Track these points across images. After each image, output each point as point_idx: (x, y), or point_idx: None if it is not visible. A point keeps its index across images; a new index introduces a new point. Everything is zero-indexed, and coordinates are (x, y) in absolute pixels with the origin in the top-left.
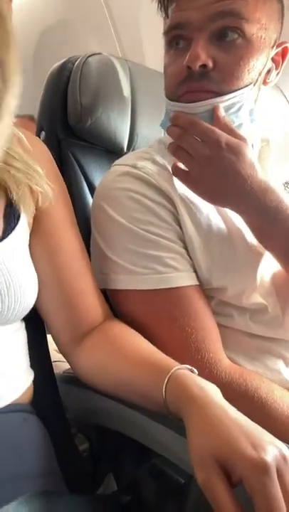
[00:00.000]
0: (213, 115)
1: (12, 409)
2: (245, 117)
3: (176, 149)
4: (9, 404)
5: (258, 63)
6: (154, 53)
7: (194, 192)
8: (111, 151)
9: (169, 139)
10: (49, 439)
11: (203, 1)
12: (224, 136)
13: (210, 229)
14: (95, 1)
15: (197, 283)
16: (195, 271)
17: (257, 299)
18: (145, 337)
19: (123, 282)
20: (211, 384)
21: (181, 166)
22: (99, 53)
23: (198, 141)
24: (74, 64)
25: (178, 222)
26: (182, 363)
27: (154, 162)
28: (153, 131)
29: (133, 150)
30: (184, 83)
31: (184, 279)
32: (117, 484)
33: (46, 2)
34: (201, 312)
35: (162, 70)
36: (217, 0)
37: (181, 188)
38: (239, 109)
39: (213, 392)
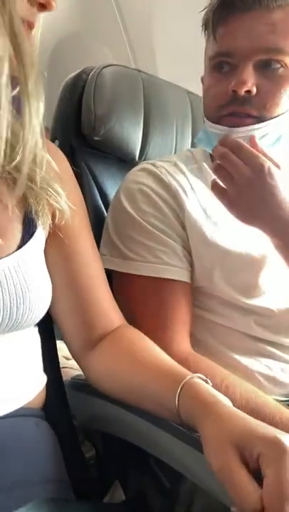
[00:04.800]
0: (248, 142)
1: (24, 413)
2: (279, 143)
3: (218, 168)
4: (21, 408)
5: None
6: (167, 64)
7: (229, 210)
8: (123, 160)
9: (198, 152)
10: (58, 445)
11: (252, 33)
12: (267, 162)
13: (217, 230)
14: (109, 12)
15: (183, 280)
16: (189, 270)
17: (260, 302)
18: (127, 315)
19: (117, 265)
20: (223, 395)
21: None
22: (113, 64)
23: (241, 163)
24: (88, 75)
25: (179, 218)
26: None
27: (175, 165)
28: (165, 141)
29: (145, 159)
30: (227, 106)
31: (168, 272)
32: (123, 492)
33: (61, 14)
34: (174, 304)
35: (174, 81)
36: (264, 34)
37: (196, 190)
38: (275, 137)
39: (226, 401)
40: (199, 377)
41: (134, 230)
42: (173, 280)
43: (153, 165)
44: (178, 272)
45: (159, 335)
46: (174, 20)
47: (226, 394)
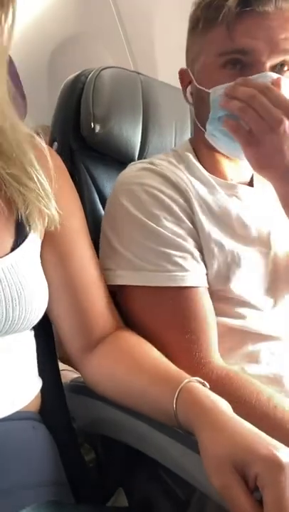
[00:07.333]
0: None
1: (22, 416)
2: None
3: (246, 109)
4: (18, 411)
5: None
6: (166, 67)
7: (246, 152)
8: (122, 162)
9: (181, 149)
10: (56, 448)
11: (268, 33)
12: None
13: (224, 228)
14: (108, 15)
15: (203, 284)
16: (205, 272)
17: (277, 301)
18: (144, 334)
19: (130, 278)
20: (222, 399)
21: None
22: (112, 67)
23: (272, 106)
24: (87, 77)
25: (191, 220)
26: (173, 360)
27: (170, 163)
28: (164, 142)
29: None
30: None
31: (190, 279)
32: (127, 497)
33: (61, 16)
34: (202, 313)
35: (174, 83)
36: (279, 36)
37: (196, 188)
38: None
39: (224, 405)
40: (197, 381)
41: (145, 236)
42: (196, 287)
43: (152, 163)
44: (199, 278)
45: (194, 353)
46: (174, 22)
47: (274, 414)
